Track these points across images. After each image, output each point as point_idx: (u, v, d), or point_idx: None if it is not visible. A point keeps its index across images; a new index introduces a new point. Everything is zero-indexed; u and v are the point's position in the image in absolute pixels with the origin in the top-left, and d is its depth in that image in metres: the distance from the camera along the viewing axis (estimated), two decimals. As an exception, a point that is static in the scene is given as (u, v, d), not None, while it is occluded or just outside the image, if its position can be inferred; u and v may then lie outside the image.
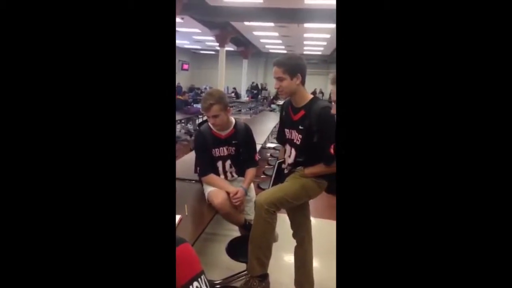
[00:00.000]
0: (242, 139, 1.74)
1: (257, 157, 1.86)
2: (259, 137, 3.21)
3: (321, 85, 14.42)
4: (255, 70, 16.72)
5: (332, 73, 1.12)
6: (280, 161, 1.66)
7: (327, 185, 1.49)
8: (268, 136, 4.75)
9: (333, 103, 1.08)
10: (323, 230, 2.16)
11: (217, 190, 1.62)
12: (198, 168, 1.75)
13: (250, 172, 1.75)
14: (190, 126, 6.65)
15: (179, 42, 13.20)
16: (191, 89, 13.76)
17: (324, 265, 1.98)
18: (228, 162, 1.75)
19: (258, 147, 2.54)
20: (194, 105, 7.41)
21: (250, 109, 11.77)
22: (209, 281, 1.65)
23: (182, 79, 14.72)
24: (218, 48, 10.31)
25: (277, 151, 3.85)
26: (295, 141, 1.49)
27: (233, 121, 1.74)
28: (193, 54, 17.14)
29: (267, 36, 10.76)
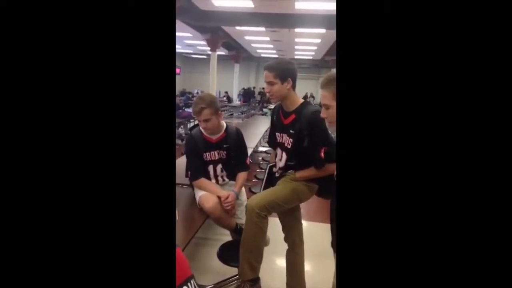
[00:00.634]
0: (233, 143, 1.74)
1: (248, 161, 1.86)
2: (250, 141, 3.21)
3: (312, 89, 14.54)
4: (247, 74, 16.77)
5: (322, 78, 1.14)
6: (271, 164, 1.66)
7: (317, 189, 1.50)
8: (260, 140, 4.76)
9: (322, 107, 1.09)
10: (315, 233, 2.17)
11: (208, 194, 1.62)
12: (189, 172, 1.74)
13: (241, 176, 1.75)
14: (181, 130, 6.61)
15: (170, 46, 13.12)
16: (183, 93, 13.69)
17: (315, 268, 1.98)
18: (219, 166, 1.75)
19: (250, 151, 2.54)
20: (186, 109, 7.38)
21: (242, 113, 11.77)
22: (200, 286, 1.62)
23: (173, 83, 14.60)
24: (209, 52, 10.31)
25: (269, 155, 3.85)
26: (285, 144, 1.50)
27: (224, 125, 1.74)
28: (184, 58, 17.10)
29: (259, 40, 10.82)
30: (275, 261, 2.03)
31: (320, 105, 1.14)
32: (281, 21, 7.21)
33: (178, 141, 5.55)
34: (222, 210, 1.59)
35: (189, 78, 17.44)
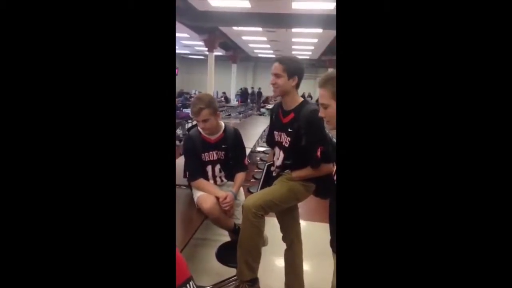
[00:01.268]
0: (232, 143, 1.74)
1: (247, 161, 1.86)
2: (248, 141, 3.21)
3: (309, 89, 14.56)
4: (244, 75, 16.78)
5: (320, 77, 1.14)
6: (269, 163, 1.66)
7: (315, 188, 1.50)
8: (258, 140, 4.76)
9: (320, 107, 1.09)
10: (312, 233, 2.17)
11: (206, 195, 1.61)
12: (187, 173, 1.74)
13: (240, 176, 1.75)
14: (179, 131, 6.59)
15: (167, 46, 13.11)
16: (181, 93, 13.67)
17: (313, 268, 1.99)
18: (217, 167, 1.74)
19: (248, 150, 2.54)
20: (184, 110, 7.37)
21: (239, 113, 11.77)
22: (199, 286, 1.62)
23: (171, 84, 14.59)
24: (207, 53, 10.31)
25: (267, 155, 3.85)
26: (283, 143, 1.50)
27: (223, 125, 1.74)
28: (182, 59, 17.08)
29: (256, 40, 10.82)
30: (273, 261, 2.03)
31: (318, 104, 1.14)
32: (278, 21, 7.22)
33: (176, 142, 5.54)
34: (220, 211, 1.59)
35: (187, 79, 17.42)
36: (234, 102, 13.79)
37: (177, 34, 9.94)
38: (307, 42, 10.16)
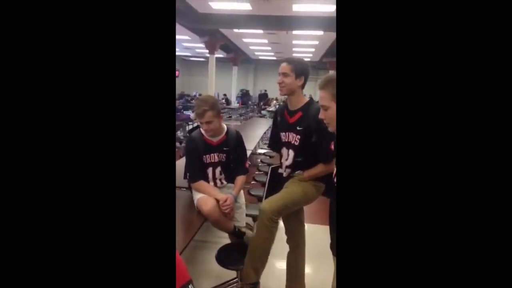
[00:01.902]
0: (234, 145, 1.74)
1: (248, 164, 1.86)
2: (249, 143, 3.21)
3: (310, 91, 14.54)
4: (245, 77, 16.80)
5: (320, 79, 1.14)
6: (273, 166, 1.66)
7: (324, 188, 1.50)
8: (259, 142, 4.75)
9: (321, 109, 1.09)
10: (313, 235, 2.16)
11: (206, 197, 1.61)
12: (187, 174, 1.74)
13: (240, 179, 1.75)
14: (180, 133, 6.60)
15: (168, 49, 13.16)
16: (181, 95, 13.70)
17: (314, 270, 1.98)
18: (218, 169, 1.74)
19: (248, 153, 2.54)
20: (184, 111, 7.38)
21: (240, 115, 11.78)
22: (199, 289, 1.59)
23: (172, 86, 14.64)
24: (207, 55, 10.33)
25: (268, 157, 3.85)
26: (292, 142, 1.51)
27: (225, 127, 1.75)
28: (182, 61, 17.12)
29: (256, 43, 10.84)
30: (274, 263, 2.02)
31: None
32: (279, 23, 7.23)
33: (176, 144, 5.54)
34: (220, 213, 1.58)
35: (188, 81, 17.45)
36: (235, 104, 13.81)
37: (178, 36, 9.97)
38: (308, 44, 10.17)
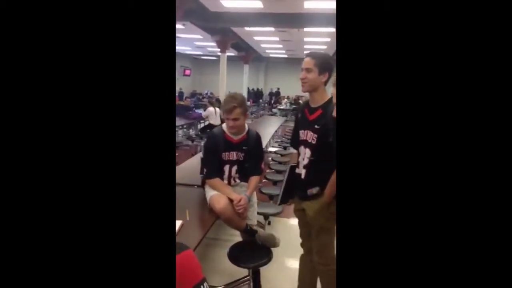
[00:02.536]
0: (252, 145, 1.75)
1: (263, 165, 1.86)
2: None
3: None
4: (256, 75, 16.77)
5: (333, 76, 1.13)
6: (292, 165, 1.59)
7: None
8: (270, 140, 4.75)
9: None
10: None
11: (218, 195, 1.62)
12: (204, 170, 1.75)
13: (254, 179, 1.75)
14: (192, 131, 6.66)
15: (180, 48, 13.29)
16: (193, 94, 13.81)
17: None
18: (235, 167, 1.75)
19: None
20: (196, 110, 7.44)
21: (251, 113, 11.79)
22: (211, 287, 1.61)
23: (184, 85, 14.79)
24: (219, 53, 10.37)
25: (279, 155, 3.84)
26: (309, 141, 1.46)
27: (246, 127, 1.76)
28: (194, 60, 17.24)
29: (268, 40, 10.81)
30: (285, 263, 2.02)
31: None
32: (290, 20, 7.19)
33: (188, 142, 5.59)
34: (232, 211, 1.59)
35: (199, 80, 17.58)
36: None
37: (189, 35, 10.05)
38: (319, 42, 10.07)
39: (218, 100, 6.63)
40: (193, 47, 13.47)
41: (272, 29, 8.51)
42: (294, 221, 2.71)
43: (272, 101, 13.88)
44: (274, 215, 2.23)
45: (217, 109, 5.81)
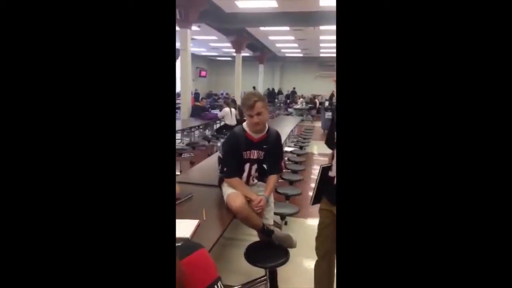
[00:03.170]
0: (273, 144, 1.76)
1: (283, 163, 1.85)
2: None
3: (328, 86, 14.23)
4: (271, 75, 16.75)
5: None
6: (324, 166, 1.52)
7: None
8: (285, 140, 4.72)
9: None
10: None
11: (235, 194, 1.63)
12: (224, 168, 1.76)
13: (273, 178, 1.76)
14: (208, 132, 6.72)
15: (196, 49, 13.45)
16: (209, 95, 13.95)
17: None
18: (254, 166, 1.76)
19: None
20: (212, 111, 7.50)
21: (267, 113, 11.75)
22: (228, 286, 1.61)
23: (200, 86, 14.96)
24: (234, 54, 10.43)
25: (295, 155, 3.81)
26: None
27: (267, 125, 1.77)
28: (210, 61, 17.41)
29: (283, 40, 10.77)
30: (303, 263, 2.00)
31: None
32: (306, 19, 7.13)
33: (205, 143, 5.65)
34: (249, 210, 1.59)
35: (215, 80, 17.73)
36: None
37: (205, 37, 10.16)
38: (335, 40, 9.94)
39: (233, 101, 6.66)
40: (208, 48, 13.61)
41: (287, 28, 8.47)
42: (311, 222, 2.69)
43: (288, 101, 13.80)
44: (291, 215, 2.21)
45: (233, 109, 5.83)
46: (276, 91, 15.18)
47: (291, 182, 2.83)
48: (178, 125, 5.87)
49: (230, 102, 6.28)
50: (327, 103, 10.99)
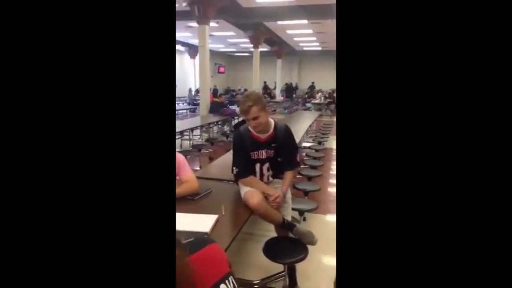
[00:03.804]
0: (283, 141, 1.70)
1: (299, 158, 1.81)
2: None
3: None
4: (289, 69, 16.59)
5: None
6: None
7: None
8: (303, 135, 4.67)
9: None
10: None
11: (253, 190, 1.62)
12: (235, 169, 1.76)
13: (289, 174, 1.72)
14: (226, 127, 6.77)
15: (214, 46, 13.52)
16: (227, 91, 14.01)
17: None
18: (266, 165, 1.73)
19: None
20: (230, 106, 7.55)
21: (284, 108, 11.70)
22: (246, 281, 1.63)
23: (218, 82, 15.06)
24: (252, 49, 10.40)
25: (313, 151, 3.77)
26: None
27: (272, 123, 1.71)
28: (228, 56, 17.46)
29: (301, 34, 10.62)
30: (322, 260, 1.99)
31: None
32: (324, 11, 6.99)
33: (223, 138, 5.70)
34: (267, 206, 1.59)
35: (233, 76, 17.79)
36: (279, 97, 13.75)
37: (223, 33, 10.18)
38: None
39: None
40: (226, 44, 13.64)
41: (305, 21, 8.34)
42: (331, 218, 2.66)
43: (306, 95, 13.64)
44: (309, 211, 2.20)
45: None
46: (294, 86, 15.05)
47: (310, 178, 2.80)
48: (197, 121, 5.95)
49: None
50: None
